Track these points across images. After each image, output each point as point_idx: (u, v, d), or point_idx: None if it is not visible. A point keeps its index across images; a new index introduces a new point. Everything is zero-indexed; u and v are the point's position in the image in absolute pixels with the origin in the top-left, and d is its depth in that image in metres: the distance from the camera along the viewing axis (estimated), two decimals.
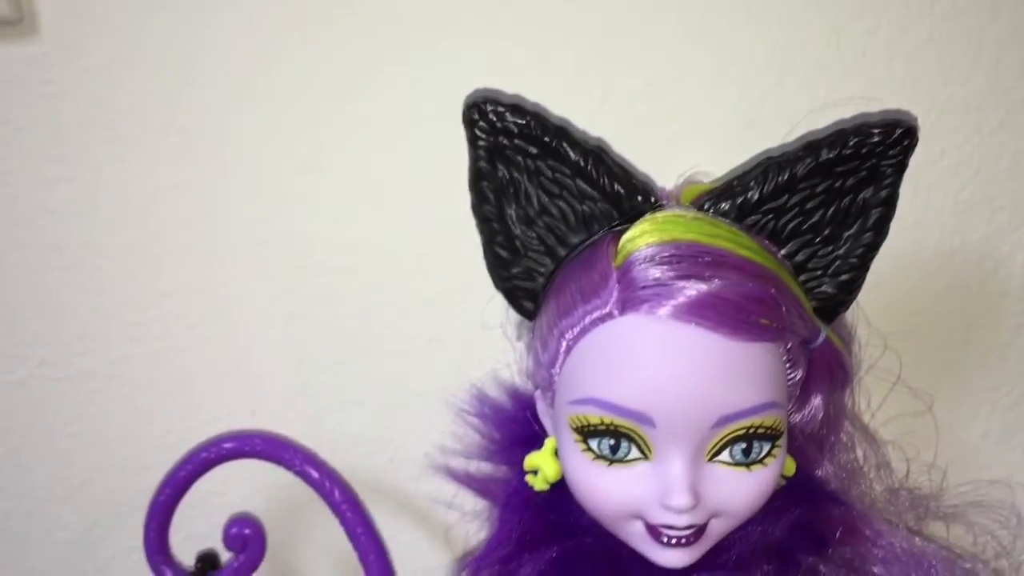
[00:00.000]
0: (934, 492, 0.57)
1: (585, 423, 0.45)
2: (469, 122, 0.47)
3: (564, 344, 0.46)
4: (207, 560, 0.58)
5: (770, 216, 0.47)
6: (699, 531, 0.46)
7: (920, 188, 0.57)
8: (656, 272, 0.44)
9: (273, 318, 0.59)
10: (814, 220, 0.48)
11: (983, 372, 0.60)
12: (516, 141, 0.47)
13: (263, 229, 0.57)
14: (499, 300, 0.56)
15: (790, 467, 0.51)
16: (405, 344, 0.59)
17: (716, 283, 0.43)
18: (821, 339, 0.48)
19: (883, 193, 0.47)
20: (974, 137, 0.57)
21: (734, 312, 0.43)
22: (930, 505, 0.56)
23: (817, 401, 0.50)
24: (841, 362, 0.49)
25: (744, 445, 0.45)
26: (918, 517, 0.56)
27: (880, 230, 0.48)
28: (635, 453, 0.45)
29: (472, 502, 0.59)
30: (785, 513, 0.51)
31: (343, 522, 0.57)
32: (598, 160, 0.47)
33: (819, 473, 0.55)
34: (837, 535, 0.53)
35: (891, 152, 0.46)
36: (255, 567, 0.58)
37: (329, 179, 0.57)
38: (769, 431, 0.45)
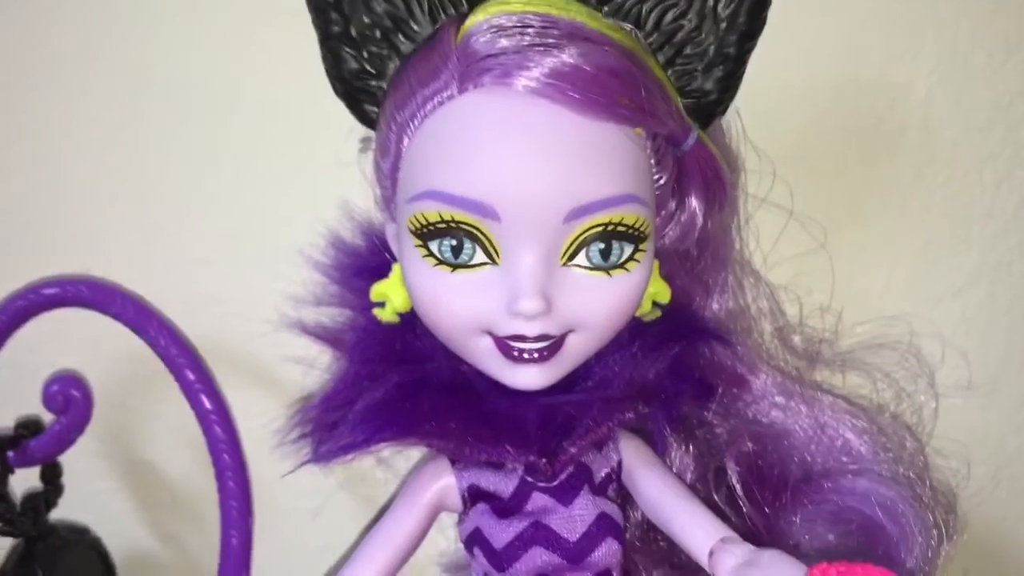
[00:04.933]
0: (828, 336, 0.54)
1: (424, 222, 0.41)
2: None
3: (404, 140, 0.42)
4: (28, 427, 0.54)
5: (633, 1, 0.44)
6: (554, 346, 0.43)
7: (812, 10, 0.54)
8: (501, 42, 0.40)
9: (107, 157, 0.53)
10: (681, 8, 0.44)
11: (884, 218, 0.58)
12: None
13: (93, 51, 0.52)
14: (356, 135, 0.52)
15: (663, 292, 0.47)
16: (256, 190, 0.54)
17: (569, 52, 0.39)
18: (692, 139, 0.45)
19: None
20: None
21: (588, 84, 0.39)
22: (822, 349, 0.53)
23: (693, 209, 0.46)
24: (717, 171, 0.46)
25: (602, 245, 0.42)
26: (811, 362, 0.53)
27: (755, 15, 0.45)
28: (480, 256, 0.41)
29: (329, 359, 0.54)
30: (662, 348, 0.47)
31: (179, 380, 0.53)
32: None
33: (703, 313, 0.51)
34: (722, 382, 0.50)
35: None
36: (80, 430, 0.53)
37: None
38: (630, 230, 0.42)
